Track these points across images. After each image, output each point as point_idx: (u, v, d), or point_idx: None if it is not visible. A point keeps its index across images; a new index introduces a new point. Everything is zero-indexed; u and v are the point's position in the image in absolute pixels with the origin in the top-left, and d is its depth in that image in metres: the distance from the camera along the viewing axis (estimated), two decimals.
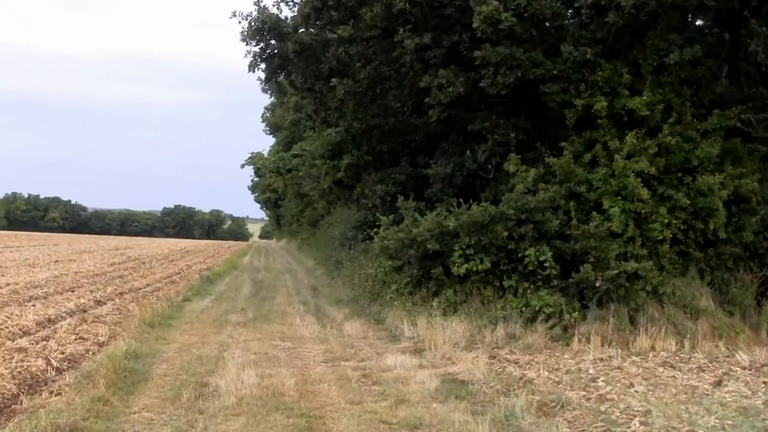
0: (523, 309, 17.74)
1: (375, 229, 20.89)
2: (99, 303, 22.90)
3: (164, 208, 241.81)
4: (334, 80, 21.30)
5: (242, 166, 74.58)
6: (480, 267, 18.13)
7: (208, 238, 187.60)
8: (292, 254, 69.53)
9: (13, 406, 10.26)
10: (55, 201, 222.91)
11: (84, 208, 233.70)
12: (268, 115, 56.15)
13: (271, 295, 28.94)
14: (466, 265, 18.18)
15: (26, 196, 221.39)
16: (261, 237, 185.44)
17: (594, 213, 18.30)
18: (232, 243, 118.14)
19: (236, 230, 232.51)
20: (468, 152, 21.40)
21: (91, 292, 25.72)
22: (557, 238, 18.23)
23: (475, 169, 21.19)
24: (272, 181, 59.17)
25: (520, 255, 18.10)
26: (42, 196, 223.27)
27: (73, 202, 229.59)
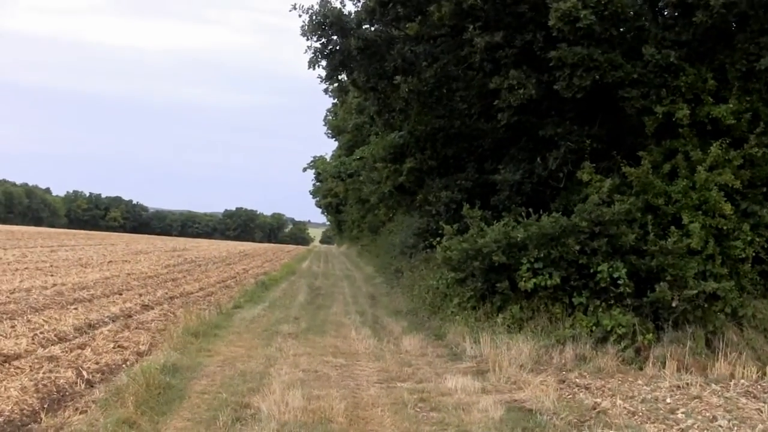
0: (594, 328, 16.52)
1: (437, 238, 19.79)
2: (146, 308, 22.23)
3: (225, 210, 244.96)
4: (398, 78, 20.09)
5: (304, 169, 74.00)
6: (549, 282, 16.93)
7: (269, 241, 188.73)
8: (352, 260, 68.72)
9: (30, 424, 9.27)
10: (117, 200, 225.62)
11: (145, 208, 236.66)
12: (330, 117, 54.91)
13: (327, 303, 27.99)
14: (534, 280, 17.00)
15: (87, 194, 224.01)
16: (322, 242, 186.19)
17: (672, 228, 16.95)
18: (292, 247, 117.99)
19: (297, 234, 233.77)
20: (538, 159, 20.15)
21: (140, 295, 25.12)
22: (632, 254, 16.98)
23: (546, 176, 19.95)
24: (334, 186, 58.22)
25: (591, 270, 16.85)
26: (104, 195, 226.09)
27: (134, 201, 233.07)
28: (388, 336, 18.63)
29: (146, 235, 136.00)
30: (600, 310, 16.72)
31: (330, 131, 50.42)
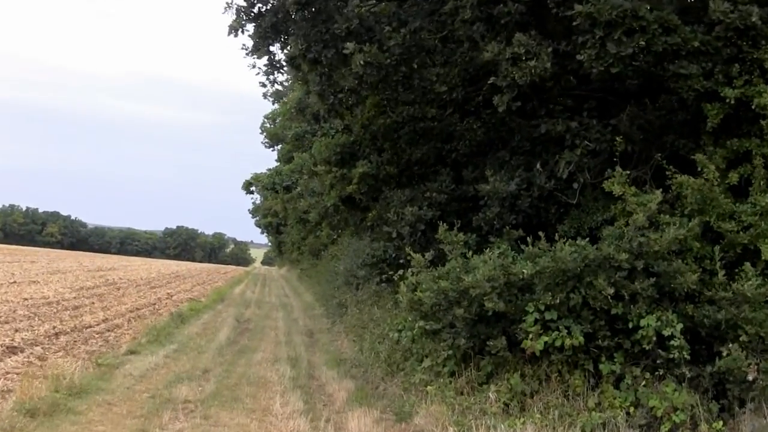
0: (632, 410, 11.12)
1: (399, 270, 14.30)
2: (10, 350, 16.79)
3: (166, 228, 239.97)
4: (349, 46, 14.23)
5: (244, 186, 67.51)
6: (567, 341, 11.44)
7: (210, 261, 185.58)
8: (292, 285, 63.25)
9: None
10: (54, 215, 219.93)
11: (84, 224, 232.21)
12: (267, 125, 47.83)
13: (253, 344, 22.37)
14: (544, 338, 11.52)
15: (24, 208, 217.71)
16: (264, 263, 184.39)
17: (746, 265, 11.62)
18: (230, 268, 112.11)
19: (239, 255, 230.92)
20: (538, 165, 14.67)
21: (16, 331, 19.79)
22: (688, 302, 11.64)
23: (550, 188, 14.46)
24: (272, 203, 52.05)
25: (630, 325, 11.43)
26: (41, 210, 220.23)
27: (73, 217, 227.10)
28: (328, 409, 13.13)
29: (81, 252, 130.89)
30: (642, 383, 11.32)
31: (268, 140, 43.83)
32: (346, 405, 13.35)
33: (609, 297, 11.29)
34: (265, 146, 43.13)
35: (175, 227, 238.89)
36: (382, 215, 17.66)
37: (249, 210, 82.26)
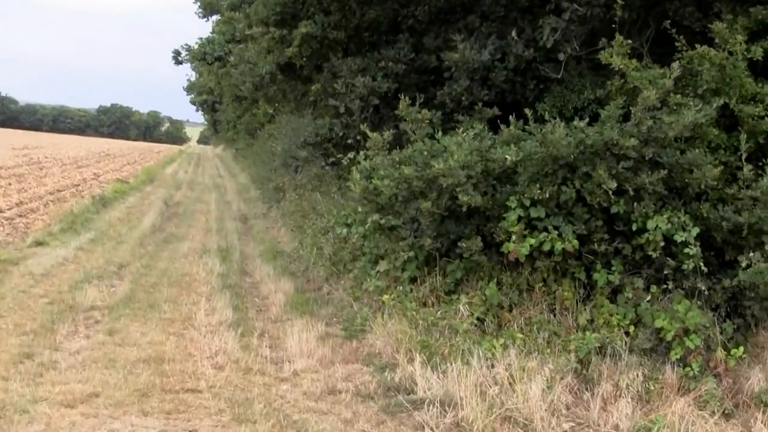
0: (631, 330, 9.11)
1: (349, 153, 11.99)
2: None
3: (100, 106, 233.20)
4: None
5: (173, 57, 62.98)
6: (558, 245, 9.29)
7: (144, 140, 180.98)
8: (227, 165, 60.74)
9: None
10: None
11: (15, 101, 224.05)
12: None
13: (180, 232, 20.19)
14: (530, 240, 9.34)
15: None
16: (200, 142, 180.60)
17: None
18: (163, 147, 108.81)
19: (174, 133, 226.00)
20: (513, 33, 12.28)
21: None
22: (702, 202, 9.55)
23: (529, 58, 12.12)
24: (206, 79, 48.80)
25: (634, 227, 9.32)
26: None
27: (3, 94, 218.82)
28: (262, 318, 11.02)
29: (11, 130, 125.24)
30: (647, 298, 9.29)
31: (201, 10, 40.09)
32: (284, 313, 11.22)
33: (610, 192, 9.13)
34: (199, 16, 39.71)
35: (109, 105, 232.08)
36: (327, 88, 15.10)
37: (184, 87, 78.45)
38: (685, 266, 9.08)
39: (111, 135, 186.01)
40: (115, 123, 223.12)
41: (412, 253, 10.36)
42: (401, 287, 10.18)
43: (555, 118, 9.65)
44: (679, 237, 9.06)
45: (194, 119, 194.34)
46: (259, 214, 25.13)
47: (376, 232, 11.11)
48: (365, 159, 10.65)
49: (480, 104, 11.96)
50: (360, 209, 11.57)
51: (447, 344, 8.72)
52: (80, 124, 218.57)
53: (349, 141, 14.43)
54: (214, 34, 38.07)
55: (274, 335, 10.02)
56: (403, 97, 10.84)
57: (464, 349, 8.50)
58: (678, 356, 8.72)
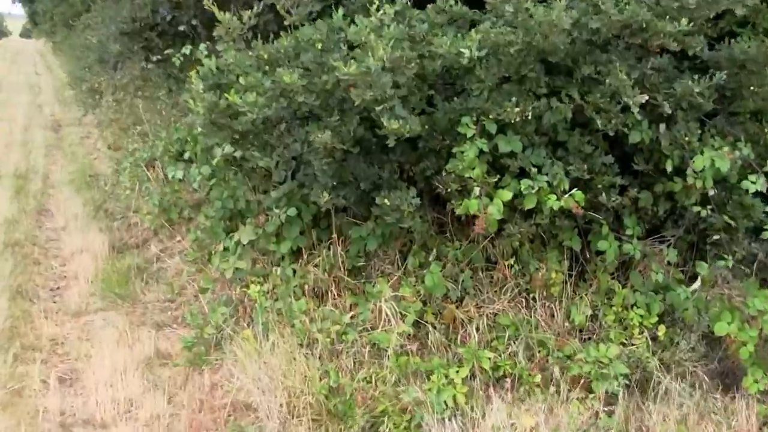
0: (662, 331, 5.66)
1: (185, 47, 7.77)
2: None
3: None
4: None
5: None
6: (549, 202, 5.44)
7: None
8: (47, 60, 54.31)
9: None
10: None
11: None
12: None
13: None
14: (504, 193, 5.46)
15: None
16: (22, 35, 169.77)
17: None
18: None
19: None
20: None
21: None
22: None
23: None
24: None
25: (668, 165, 5.58)
26: None
27: None
28: (55, 313, 6.96)
29: None
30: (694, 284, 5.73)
31: None
32: (90, 298, 7.13)
33: (635, 108, 5.28)
34: None
35: None
36: None
37: None
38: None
39: None
40: None
41: (292, 210, 6.23)
42: (279, 270, 6.14)
43: None
44: (749, 184, 5.40)
45: (16, 12, 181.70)
46: (74, 120, 20.64)
47: (230, 171, 6.96)
48: (209, 56, 6.35)
49: None
50: (199, 136, 7.36)
51: (369, 389, 4.86)
52: None
53: (182, 28, 10.11)
54: None
55: (68, 357, 5.94)
56: None
57: (399, 397, 4.68)
58: (760, 387, 5.17)
